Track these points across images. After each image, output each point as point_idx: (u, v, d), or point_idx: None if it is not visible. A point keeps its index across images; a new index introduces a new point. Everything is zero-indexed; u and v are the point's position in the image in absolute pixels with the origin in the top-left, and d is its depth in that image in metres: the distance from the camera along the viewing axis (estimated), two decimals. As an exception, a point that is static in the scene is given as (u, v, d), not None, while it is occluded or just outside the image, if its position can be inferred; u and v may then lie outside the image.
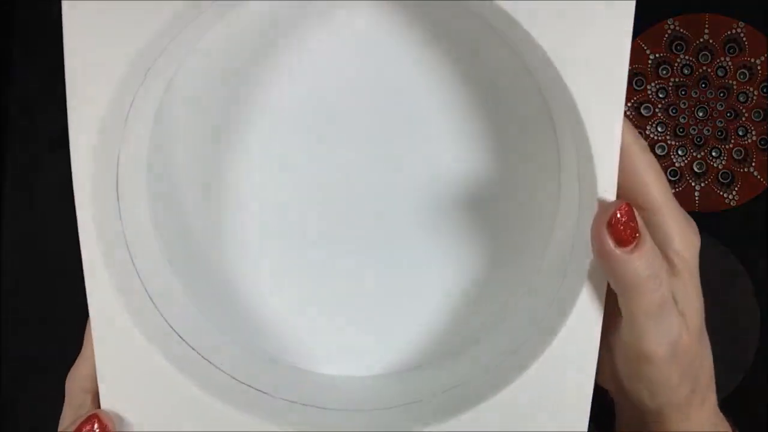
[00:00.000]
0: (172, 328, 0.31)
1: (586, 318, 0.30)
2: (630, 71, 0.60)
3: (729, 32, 0.65)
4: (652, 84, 0.65)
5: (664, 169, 0.65)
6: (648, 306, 0.29)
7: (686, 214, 0.33)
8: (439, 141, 0.32)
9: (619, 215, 0.28)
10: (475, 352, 0.34)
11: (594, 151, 0.28)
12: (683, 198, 0.65)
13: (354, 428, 0.29)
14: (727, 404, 0.66)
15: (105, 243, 0.29)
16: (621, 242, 0.28)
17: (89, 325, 0.31)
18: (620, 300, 0.30)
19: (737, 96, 0.65)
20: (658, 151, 0.65)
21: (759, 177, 0.65)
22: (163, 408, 0.29)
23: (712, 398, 0.33)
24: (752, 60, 0.65)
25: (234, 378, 0.31)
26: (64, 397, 0.69)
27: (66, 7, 0.28)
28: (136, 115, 0.30)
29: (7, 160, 0.68)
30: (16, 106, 0.68)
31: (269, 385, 0.31)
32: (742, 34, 0.65)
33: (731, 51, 0.65)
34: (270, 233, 0.33)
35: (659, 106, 0.65)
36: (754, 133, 0.65)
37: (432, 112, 0.32)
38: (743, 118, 0.65)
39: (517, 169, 0.33)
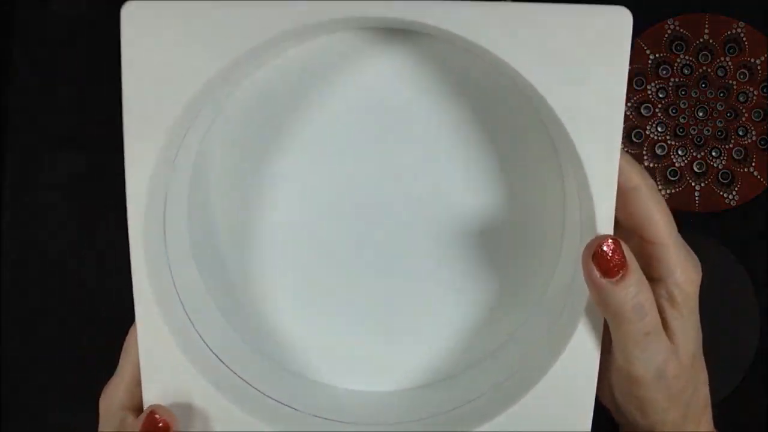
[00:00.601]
0: (210, 349, 0.34)
1: (586, 339, 0.34)
2: (630, 71, 0.61)
3: (729, 32, 0.65)
4: (652, 84, 0.65)
5: (664, 168, 0.65)
6: (634, 334, 0.32)
7: (690, 250, 0.35)
8: (453, 174, 0.36)
9: (605, 248, 0.31)
10: (485, 370, 0.36)
11: (593, 191, 0.31)
12: (683, 198, 0.65)
13: None
14: (727, 404, 0.67)
15: (154, 275, 0.34)
16: (606, 273, 0.31)
17: (125, 346, 0.36)
18: (609, 326, 0.33)
19: (737, 96, 0.65)
20: (658, 151, 0.65)
21: (759, 177, 0.65)
22: (204, 425, 0.33)
23: (706, 424, 0.35)
24: (752, 60, 0.65)
25: (266, 395, 0.34)
26: (64, 398, 0.70)
27: (126, 55, 0.30)
28: (180, 158, 0.33)
29: (7, 160, 0.68)
30: (16, 106, 0.68)
31: (297, 401, 0.34)
32: (742, 34, 0.65)
33: (731, 51, 0.65)
34: (294, 259, 0.37)
35: (659, 106, 0.65)
36: (754, 133, 0.65)
37: (446, 147, 0.35)
38: (743, 118, 0.65)
39: (525, 202, 0.36)
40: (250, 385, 0.34)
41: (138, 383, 0.35)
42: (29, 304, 0.67)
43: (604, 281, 0.31)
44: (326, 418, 0.34)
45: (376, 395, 0.36)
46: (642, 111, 0.65)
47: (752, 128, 0.65)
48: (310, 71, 0.34)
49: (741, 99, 0.65)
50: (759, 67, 0.65)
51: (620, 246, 0.31)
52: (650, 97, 0.65)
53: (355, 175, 0.36)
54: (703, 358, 0.37)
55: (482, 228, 0.36)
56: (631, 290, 0.31)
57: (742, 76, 0.65)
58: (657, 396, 0.33)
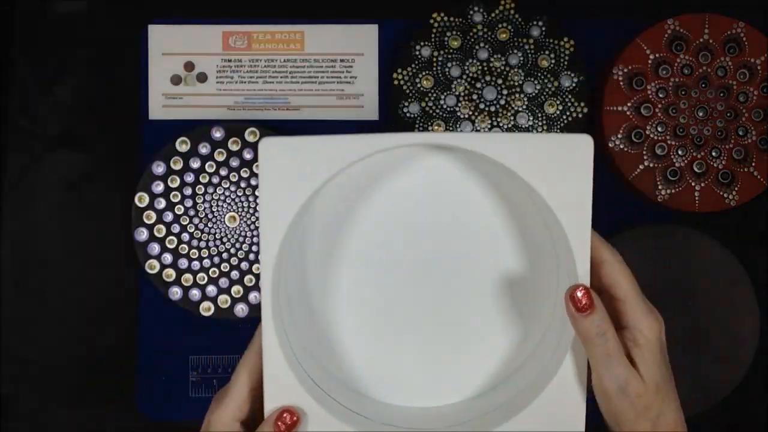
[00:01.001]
0: (311, 378, 0.48)
1: (574, 363, 0.47)
2: (630, 71, 0.62)
3: (729, 32, 0.65)
4: (652, 84, 0.65)
5: (664, 169, 0.65)
6: (599, 355, 0.44)
7: (650, 305, 0.46)
8: (482, 247, 0.50)
9: (578, 292, 0.45)
10: (506, 387, 0.50)
11: (576, 258, 0.46)
12: (683, 198, 0.65)
13: None
14: (727, 404, 0.67)
15: (277, 325, 0.46)
16: (579, 309, 0.45)
17: (237, 371, 0.47)
18: (585, 349, 0.45)
19: (737, 96, 0.65)
20: (658, 151, 0.65)
21: (759, 177, 0.65)
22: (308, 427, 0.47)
23: None
24: (752, 60, 0.65)
25: (350, 409, 0.48)
26: (64, 397, 0.69)
27: (262, 173, 0.45)
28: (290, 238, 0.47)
29: (7, 160, 0.68)
30: (16, 106, 0.68)
31: (370, 413, 0.49)
32: (742, 34, 0.65)
33: (731, 51, 0.65)
34: (365, 311, 0.51)
35: (659, 106, 0.65)
36: (754, 133, 0.65)
37: (477, 227, 0.50)
38: (743, 118, 0.65)
39: (531, 265, 0.51)
40: (339, 402, 0.48)
41: (246, 402, 0.47)
42: (29, 304, 0.67)
43: (577, 314, 0.45)
44: (392, 425, 0.49)
45: (428, 409, 0.51)
46: (642, 111, 0.65)
47: (752, 128, 0.65)
48: (376, 172, 0.49)
49: (741, 99, 0.65)
50: (759, 67, 0.65)
51: (589, 291, 0.45)
52: (650, 97, 0.65)
53: (411, 244, 0.50)
54: (673, 390, 0.46)
55: (502, 283, 0.51)
56: (596, 322, 0.44)
57: (742, 76, 0.65)
58: (623, 408, 0.43)
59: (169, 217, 0.65)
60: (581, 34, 0.68)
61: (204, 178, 0.65)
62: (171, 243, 0.65)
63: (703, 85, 0.65)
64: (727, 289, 0.66)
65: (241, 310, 0.66)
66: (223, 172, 0.65)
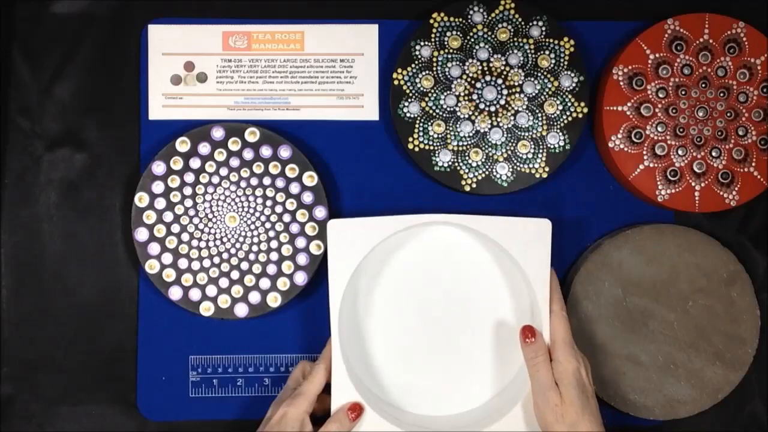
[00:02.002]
0: (368, 389, 0.67)
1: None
2: (630, 71, 0.62)
3: (729, 32, 0.65)
4: (652, 84, 0.65)
5: (664, 169, 0.65)
6: (533, 370, 0.61)
7: (575, 349, 0.61)
8: (483, 296, 0.67)
9: (526, 330, 0.63)
10: (499, 398, 0.67)
11: (540, 305, 0.64)
12: (683, 198, 0.65)
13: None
14: (727, 404, 0.67)
15: (341, 356, 0.64)
16: (525, 338, 0.63)
17: (310, 378, 0.62)
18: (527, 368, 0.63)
19: (737, 96, 0.65)
20: (658, 151, 0.65)
21: (759, 177, 0.65)
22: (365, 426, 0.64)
23: None
24: (752, 60, 0.65)
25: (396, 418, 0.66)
26: (65, 396, 0.69)
27: (330, 248, 0.63)
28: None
29: (7, 160, 0.68)
30: (16, 106, 0.68)
31: (401, 421, 0.66)
32: (742, 34, 0.65)
33: (731, 51, 0.65)
34: (395, 342, 0.67)
35: (659, 106, 0.65)
36: (754, 133, 0.65)
37: (479, 281, 0.67)
38: (743, 118, 0.65)
39: (518, 309, 0.67)
40: (381, 408, 0.65)
41: (314, 401, 0.60)
42: (29, 304, 0.67)
43: (523, 342, 0.63)
44: (418, 426, 0.66)
45: (442, 417, 0.67)
46: (642, 111, 0.65)
47: (752, 128, 0.65)
48: (404, 238, 0.66)
49: (741, 99, 0.65)
50: (759, 67, 0.65)
51: (533, 328, 0.63)
52: (650, 97, 0.65)
53: (429, 293, 0.67)
54: (591, 411, 0.58)
55: (497, 322, 0.67)
56: (534, 347, 0.62)
57: (742, 76, 0.65)
58: (546, 411, 0.59)
59: (169, 217, 0.65)
60: (581, 34, 0.68)
61: (204, 178, 0.65)
62: (171, 243, 0.65)
63: (703, 85, 0.65)
64: (727, 289, 0.66)
65: (241, 309, 0.66)
66: (223, 171, 0.65)
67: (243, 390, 0.67)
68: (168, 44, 0.67)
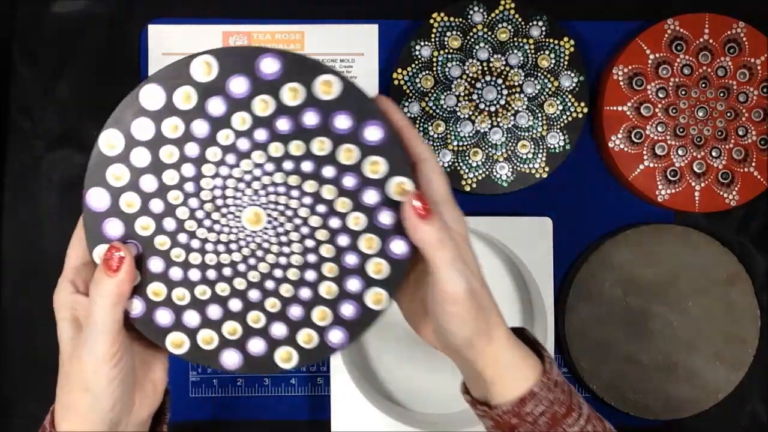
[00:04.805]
0: (362, 394, 0.64)
1: None
2: (630, 71, 0.62)
3: (729, 32, 0.65)
4: (652, 84, 0.65)
5: (664, 169, 0.65)
6: (449, 258, 0.42)
7: (458, 207, 0.45)
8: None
9: (414, 200, 0.42)
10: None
11: (546, 310, 0.64)
12: (683, 198, 0.65)
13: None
14: (727, 404, 0.67)
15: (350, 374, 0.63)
16: (420, 216, 0.42)
17: (67, 255, 0.47)
18: (428, 258, 0.42)
19: (737, 96, 0.65)
20: (658, 151, 0.65)
21: (759, 177, 0.65)
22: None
23: (503, 327, 0.44)
24: (752, 60, 0.65)
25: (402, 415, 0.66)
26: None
27: None
28: None
29: (7, 160, 0.68)
30: (16, 106, 0.68)
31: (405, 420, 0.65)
32: (742, 34, 0.65)
33: (731, 51, 0.65)
34: (395, 346, 0.68)
35: (659, 106, 0.65)
36: (754, 133, 0.65)
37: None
38: (743, 118, 0.65)
39: (519, 315, 0.68)
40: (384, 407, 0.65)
41: (77, 277, 0.46)
42: (29, 304, 0.67)
43: (417, 221, 0.42)
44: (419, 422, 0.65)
45: (445, 414, 0.67)
46: (642, 111, 0.65)
47: (752, 128, 0.65)
48: None
49: (741, 99, 0.65)
50: (759, 67, 0.65)
51: (423, 198, 0.43)
52: (650, 97, 0.65)
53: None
54: (486, 281, 0.45)
55: None
56: (439, 225, 0.42)
57: (742, 76, 0.65)
58: (469, 308, 0.42)
59: (158, 206, 0.56)
60: (581, 34, 0.68)
61: (217, 151, 0.44)
62: (144, 229, 0.50)
63: (703, 85, 0.65)
64: (727, 289, 0.66)
65: (230, 358, 0.45)
66: (254, 140, 0.45)
67: (243, 390, 0.67)
68: (168, 44, 0.67)
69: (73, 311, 0.45)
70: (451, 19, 0.65)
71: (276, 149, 0.43)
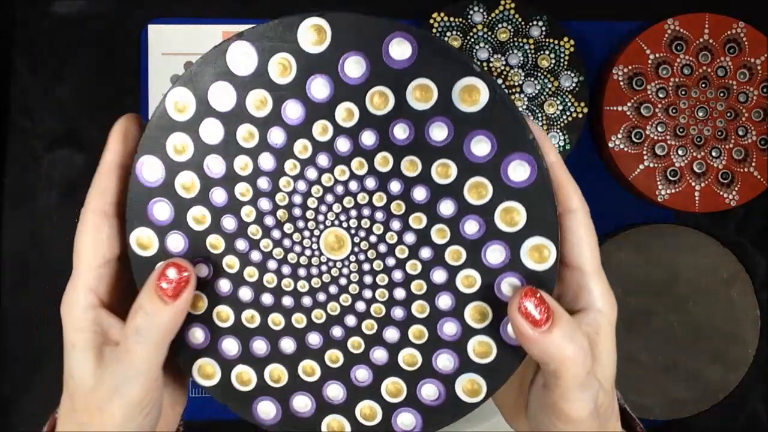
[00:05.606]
0: None
1: None
2: (630, 71, 0.62)
3: (729, 32, 0.65)
4: (652, 84, 0.65)
5: (664, 169, 0.65)
6: (578, 377, 0.31)
7: (605, 278, 0.35)
8: None
9: (527, 302, 0.31)
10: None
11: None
12: (683, 198, 0.65)
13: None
14: (727, 404, 0.67)
15: None
16: (535, 324, 0.31)
17: (75, 250, 0.34)
18: (547, 371, 0.32)
19: (737, 96, 0.65)
20: (658, 151, 0.65)
21: (759, 177, 0.65)
22: None
23: (615, 424, 0.34)
24: (752, 60, 0.65)
25: None
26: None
27: None
28: None
29: (7, 160, 0.68)
30: (16, 106, 0.68)
31: None
32: (742, 34, 0.65)
33: (731, 51, 0.65)
34: None
35: (659, 106, 0.65)
36: (754, 133, 0.65)
37: None
38: (743, 118, 0.65)
39: None
40: None
41: (100, 282, 0.34)
42: (29, 304, 0.67)
43: (533, 334, 0.31)
44: None
45: None
46: (642, 111, 0.65)
47: (752, 128, 0.65)
48: None
49: (741, 99, 0.65)
50: (759, 67, 0.65)
51: (543, 297, 0.31)
52: (650, 97, 0.65)
53: None
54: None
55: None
56: (567, 332, 0.31)
57: (742, 76, 0.65)
58: (586, 430, 0.32)
59: (230, 223, 0.44)
60: (581, 34, 0.68)
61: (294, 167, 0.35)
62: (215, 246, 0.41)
63: (703, 85, 0.65)
64: (727, 289, 0.66)
65: (267, 409, 0.38)
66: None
67: (243, 390, 0.67)
68: (168, 44, 0.67)
69: (96, 334, 0.35)
70: (451, 19, 0.65)
71: (383, 161, 0.32)
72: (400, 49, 0.31)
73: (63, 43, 0.68)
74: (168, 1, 0.68)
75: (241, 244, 0.34)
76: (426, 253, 0.33)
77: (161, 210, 0.33)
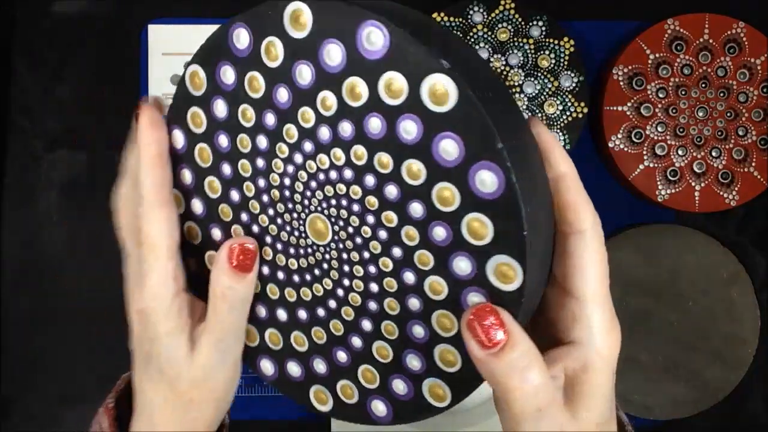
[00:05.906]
0: None
1: None
2: (630, 71, 0.62)
3: (729, 32, 0.65)
4: (652, 84, 0.65)
5: (664, 169, 0.65)
6: (525, 412, 0.28)
7: (614, 313, 0.31)
8: None
9: (485, 320, 0.28)
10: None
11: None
12: (683, 198, 0.65)
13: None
14: (727, 404, 0.67)
15: None
16: (485, 345, 0.28)
17: (149, 241, 0.34)
18: (495, 393, 0.30)
19: (737, 96, 0.65)
20: (658, 151, 0.65)
21: (759, 177, 0.65)
22: None
23: None
24: (752, 60, 0.65)
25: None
26: (66, 396, 0.69)
27: None
28: None
29: (7, 160, 0.68)
30: (16, 106, 0.68)
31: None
32: (742, 34, 0.65)
33: (731, 51, 0.65)
34: None
35: (659, 106, 0.65)
36: (754, 133, 0.65)
37: None
38: (743, 118, 0.65)
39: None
40: None
41: (176, 269, 0.34)
42: (29, 304, 0.67)
43: (483, 354, 0.28)
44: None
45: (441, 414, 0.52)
46: (642, 111, 0.65)
47: (752, 128, 0.65)
48: None
49: (741, 99, 0.65)
50: (759, 67, 0.65)
51: (500, 314, 0.28)
52: (650, 97, 0.65)
53: None
54: (614, 421, 0.32)
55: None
56: (514, 361, 0.28)
57: (742, 76, 0.65)
58: None
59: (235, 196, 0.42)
60: (581, 34, 0.68)
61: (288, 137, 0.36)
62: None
63: (703, 85, 0.65)
64: (727, 289, 0.66)
65: (267, 367, 0.39)
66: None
67: (243, 390, 0.67)
68: (168, 44, 0.67)
69: (186, 317, 0.34)
70: (451, 19, 0.65)
71: (359, 155, 0.31)
72: (373, 38, 0.29)
73: (63, 43, 0.68)
74: (168, 1, 0.68)
75: (244, 216, 0.35)
76: (397, 252, 0.32)
77: (185, 175, 0.36)
